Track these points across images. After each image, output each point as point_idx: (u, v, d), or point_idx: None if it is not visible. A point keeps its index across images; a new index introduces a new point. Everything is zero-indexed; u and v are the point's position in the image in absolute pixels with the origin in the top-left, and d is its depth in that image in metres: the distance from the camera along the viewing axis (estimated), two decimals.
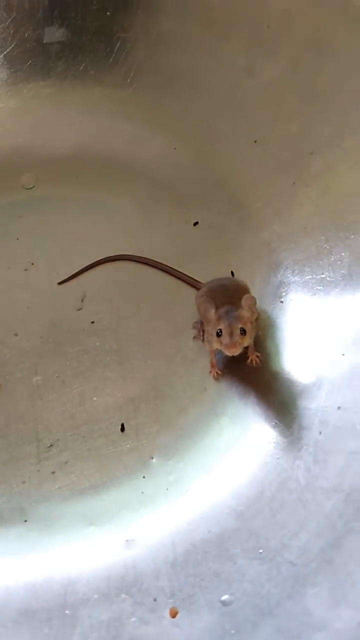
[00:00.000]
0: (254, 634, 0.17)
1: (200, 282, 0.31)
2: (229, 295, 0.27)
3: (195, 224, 0.33)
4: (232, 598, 0.19)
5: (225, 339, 0.25)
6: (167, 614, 0.19)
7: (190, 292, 0.31)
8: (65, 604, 0.20)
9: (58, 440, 0.26)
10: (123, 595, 0.20)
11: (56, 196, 0.34)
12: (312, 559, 0.18)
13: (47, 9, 0.33)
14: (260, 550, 0.20)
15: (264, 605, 0.17)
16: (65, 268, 0.31)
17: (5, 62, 0.34)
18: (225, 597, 0.19)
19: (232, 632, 0.17)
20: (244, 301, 0.26)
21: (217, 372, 0.28)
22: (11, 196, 0.33)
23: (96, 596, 0.20)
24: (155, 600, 0.20)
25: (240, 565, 0.20)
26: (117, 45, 0.34)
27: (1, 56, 0.33)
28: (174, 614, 0.19)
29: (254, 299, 0.26)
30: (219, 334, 0.25)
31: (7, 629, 0.20)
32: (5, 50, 0.33)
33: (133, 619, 0.19)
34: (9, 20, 0.33)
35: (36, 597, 0.21)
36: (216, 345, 0.26)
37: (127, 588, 0.21)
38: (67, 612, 0.20)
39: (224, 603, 0.18)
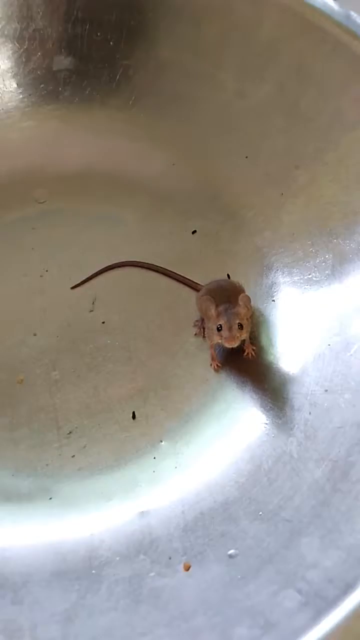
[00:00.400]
0: (257, 577, 0.19)
1: (200, 284, 0.33)
2: (226, 295, 0.30)
3: (194, 232, 0.35)
4: (237, 552, 0.21)
5: (225, 332, 0.28)
6: (181, 568, 0.22)
7: (191, 294, 0.33)
8: (91, 566, 0.23)
9: (76, 427, 0.29)
10: (141, 556, 0.23)
11: (66, 209, 0.36)
12: (305, 515, 0.21)
13: (56, 41, 0.36)
14: (260, 513, 0.23)
15: (265, 555, 0.20)
16: (77, 274, 0.34)
17: (19, 88, 0.36)
18: (231, 552, 0.22)
19: (239, 577, 0.20)
20: (241, 299, 0.29)
21: (217, 365, 0.30)
22: (25, 210, 0.36)
23: (118, 558, 0.23)
24: (170, 558, 0.23)
25: (243, 526, 0.23)
26: (120, 72, 0.36)
27: (15, 83, 0.36)
28: (187, 568, 0.22)
29: (249, 298, 0.29)
30: (219, 329, 0.28)
31: (42, 587, 0.22)
32: (18, 77, 0.36)
33: (152, 574, 0.22)
34: (21, 50, 0.36)
35: (65, 561, 0.23)
36: (217, 339, 0.29)
37: (144, 550, 0.23)
38: (93, 572, 0.23)
39: (230, 556, 0.21)
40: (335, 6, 0.31)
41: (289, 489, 0.23)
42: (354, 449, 0.23)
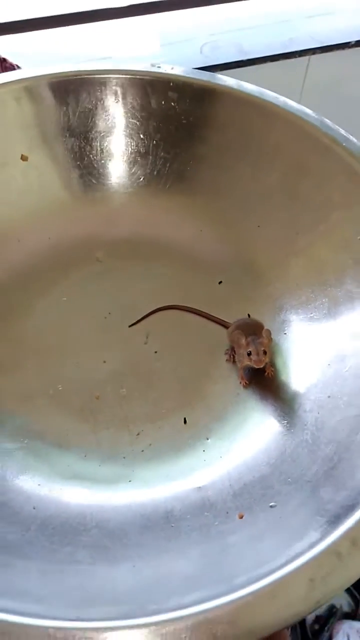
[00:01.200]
0: (294, 515, 0.29)
1: (228, 322, 0.43)
2: (252, 329, 0.40)
3: (220, 282, 0.45)
4: (275, 503, 0.31)
5: (254, 357, 0.38)
6: (237, 517, 0.31)
7: (220, 329, 0.43)
8: (169, 522, 0.32)
9: (142, 430, 0.38)
10: (205, 513, 0.32)
11: (121, 266, 0.46)
12: (321, 476, 0.30)
13: None
14: (289, 479, 0.32)
15: (296, 502, 0.30)
16: (133, 315, 0.43)
17: (81, 178, 0.47)
18: (271, 504, 0.31)
19: (279, 517, 0.29)
20: (264, 332, 0.39)
21: (245, 382, 0.40)
22: (90, 267, 0.45)
23: (188, 516, 0.32)
24: (227, 512, 0.32)
25: (277, 489, 0.32)
26: (161, 163, 0.48)
27: (77, 173, 0.47)
28: (240, 516, 0.31)
29: (269, 331, 0.40)
30: (249, 354, 0.39)
31: (136, 535, 0.31)
32: (81, 168, 0.47)
33: (216, 523, 0.31)
34: (82, 146, 0.48)
35: (149, 520, 0.32)
36: (247, 362, 0.39)
37: (206, 510, 0.32)
38: (172, 525, 0.32)
39: (271, 506, 0.31)
40: (326, 121, 0.43)
41: (308, 462, 0.33)
42: (352, 432, 0.32)
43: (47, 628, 0.22)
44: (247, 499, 0.32)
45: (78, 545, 0.30)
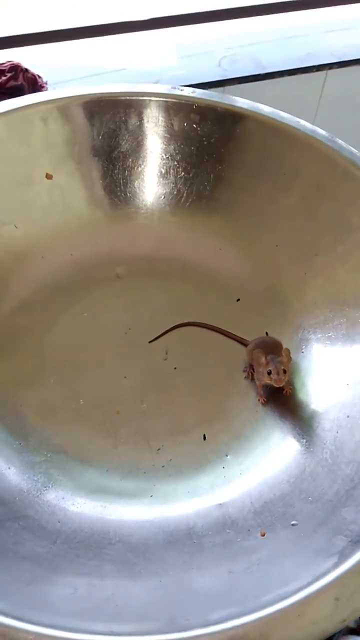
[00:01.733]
0: (316, 533, 0.29)
1: (246, 339, 0.44)
2: (271, 348, 0.41)
3: (238, 300, 0.46)
4: (297, 522, 0.31)
5: (274, 376, 0.39)
6: (258, 535, 0.32)
7: (238, 346, 0.44)
8: (192, 538, 0.32)
9: (163, 445, 0.38)
10: (227, 530, 0.33)
11: (140, 283, 0.47)
12: (342, 496, 0.31)
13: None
14: (310, 498, 0.33)
15: (318, 521, 0.30)
16: (152, 331, 0.44)
17: (105, 196, 0.48)
18: (293, 522, 0.31)
19: (302, 535, 0.30)
20: (284, 352, 0.40)
21: (263, 400, 0.41)
22: (111, 283, 0.46)
23: (210, 532, 0.33)
24: (249, 530, 0.32)
25: (298, 507, 0.33)
26: (180, 182, 0.49)
27: (102, 190, 0.48)
28: (263, 534, 0.31)
29: (289, 351, 0.40)
30: (269, 373, 0.39)
31: (161, 550, 0.31)
32: (105, 188, 0.49)
33: (238, 540, 0.31)
34: (109, 167, 0.49)
35: (172, 535, 0.33)
36: (267, 381, 0.40)
37: (228, 527, 0.33)
38: (194, 541, 0.32)
39: (293, 525, 0.31)
40: (342, 144, 0.44)
41: (328, 481, 0.33)
42: None
43: None
44: (268, 516, 0.33)
45: (104, 559, 0.30)
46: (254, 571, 0.28)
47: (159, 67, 0.66)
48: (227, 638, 0.23)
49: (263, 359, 0.40)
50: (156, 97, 0.47)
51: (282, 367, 0.39)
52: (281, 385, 0.39)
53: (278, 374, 0.39)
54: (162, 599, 0.27)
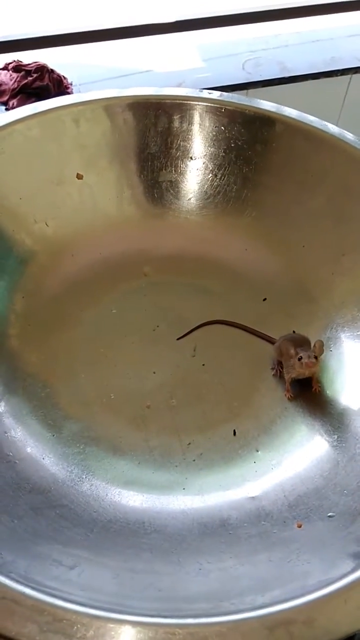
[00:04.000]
0: (353, 523, 0.29)
1: (273, 337, 0.44)
2: (299, 342, 0.41)
3: (264, 299, 0.46)
4: (334, 513, 0.31)
5: (305, 359, 0.39)
6: (295, 526, 0.32)
7: (266, 345, 0.44)
8: (227, 530, 0.32)
9: (193, 440, 0.38)
10: (262, 522, 0.33)
11: (168, 281, 0.47)
12: None
13: (163, 162, 0.50)
14: (345, 491, 0.33)
15: (355, 512, 0.31)
16: (180, 329, 0.44)
17: (133, 195, 0.49)
18: (330, 514, 0.32)
19: (340, 525, 0.30)
20: (317, 343, 0.40)
21: (290, 395, 0.41)
22: (138, 281, 0.47)
23: (245, 524, 0.33)
24: (284, 522, 0.32)
25: (333, 500, 0.33)
26: (208, 183, 0.50)
27: (130, 191, 0.49)
28: (299, 525, 0.32)
29: (322, 342, 0.40)
30: (300, 359, 0.39)
31: (197, 542, 0.32)
32: (133, 188, 0.49)
33: (274, 531, 0.32)
34: (137, 167, 0.49)
35: (206, 527, 0.33)
36: (297, 369, 0.39)
37: (263, 519, 0.33)
38: (230, 533, 0.32)
39: (330, 516, 0.31)
40: None
41: None
42: None
43: (131, 622, 0.22)
44: (303, 509, 0.33)
45: (141, 547, 0.30)
46: (294, 559, 0.28)
47: (183, 69, 0.67)
48: (274, 622, 0.23)
49: (292, 350, 0.40)
50: (186, 100, 0.48)
51: (313, 354, 0.39)
52: (313, 372, 0.39)
53: (309, 357, 0.39)
54: (204, 585, 0.27)
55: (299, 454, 0.37)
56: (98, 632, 0.22)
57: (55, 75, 0.60)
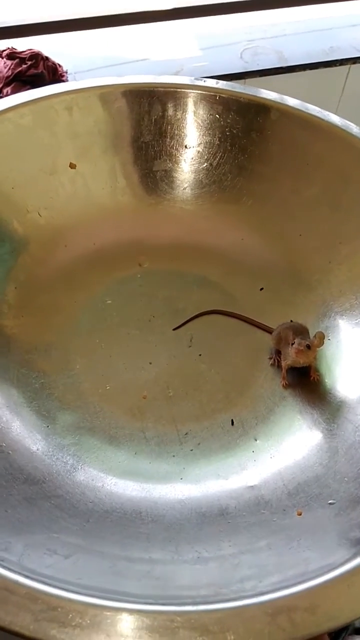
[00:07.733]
0: (354, 509, 0.29)
1: (270, 327, 0.44)
2: (298, 331, 0.40)
3: (261, 289, 0.46)
4: (334, 501, 0.31)
5: (296, 345, 0.38)
6: (295, 514, 0.31)
7: (263, 334, 0.43)
8: (227, 519, 0.32)
9: (190, 430, 0.38)
10: (262, 511, 0.32)
11: (163, 271, 0.46)
12: None
13: (157, 150, 0.49)
14: (345, 479, 0.32)
15: (355, 499, 0.30)
16: (176, 319, 0.44)
17: (127, 185, 0.49)
18: (330, 501, 0.31)
19: (342, 513, 0.29)
20: (317, 334, 0.39)
21: (285, 383, 0.40)
22: (132, 270, 0.46)
23: (244, 513, 0.32)
24: (284, 510, 0.32)
25: (334, 487, 0.32)
26: (203, 172, 0.49)
27: (124, 179, 0.49)
28: (299, 514, 0.31)
29: (323, 334, 0.39)
30: (293, 344, 0.39)
31: (195, 531, 0.31)
32: (128, 176, 0.49)
33: (274, 519, 0.31)
34: (131, 155, 0.49)
35: (205, 516, 0.32)
36: (292, 354, 0.39)
37: (262, 508, 0.32)
38: (229, 522, 0.32)
39: (330, 504, 0.31)
40: None
41: None
42: None
43: (129, 610, 0.21)
44: (303, 497, 0.32)
45: (138, 537, 0.30)
46: (295, 546, 0.28)
47: (180, 57, 0.66)
48: (277, 608, 0.22)
49: (291, 336, 0.39)
50: (180, 88, 0.47)
51: (306, 342, 0.39)
52: (309, 360, 0.39)
53: (300, 344, 0.38)
54: (204, 573, 0.26)
55: (298, 443, 0.37)
56: (94, 620, 0.21)
57: (50, 63, 0.59)
